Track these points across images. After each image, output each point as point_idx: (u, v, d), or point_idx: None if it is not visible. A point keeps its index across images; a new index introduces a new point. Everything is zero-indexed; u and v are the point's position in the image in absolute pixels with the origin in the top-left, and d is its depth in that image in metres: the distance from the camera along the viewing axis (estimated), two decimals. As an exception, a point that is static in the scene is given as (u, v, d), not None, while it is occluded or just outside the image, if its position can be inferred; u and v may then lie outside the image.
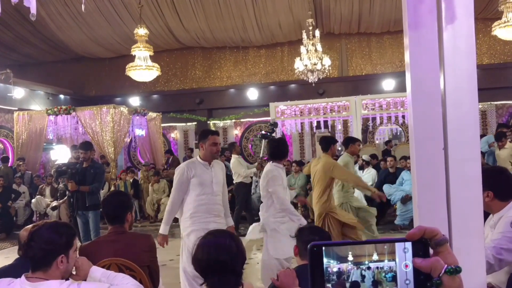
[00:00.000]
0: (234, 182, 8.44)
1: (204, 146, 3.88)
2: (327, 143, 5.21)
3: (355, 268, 0.62)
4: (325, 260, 0.62)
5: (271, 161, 4.32)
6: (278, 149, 4.33)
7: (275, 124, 9.03)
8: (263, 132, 8.75)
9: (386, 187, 8.00)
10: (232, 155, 8.41)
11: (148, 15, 12.33)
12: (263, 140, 9.07)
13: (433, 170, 1.54)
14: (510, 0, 7.57)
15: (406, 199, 7.59)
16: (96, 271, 2.14)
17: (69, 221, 7.10)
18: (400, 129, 13.15)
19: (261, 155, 10.17)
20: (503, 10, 7.83)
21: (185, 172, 3.82)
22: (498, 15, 8.51)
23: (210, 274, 1.78)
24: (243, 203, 8.39)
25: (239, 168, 8.25)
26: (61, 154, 11.35)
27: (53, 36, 13.84)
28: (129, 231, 2.94)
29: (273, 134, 8.33)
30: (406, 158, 8.42)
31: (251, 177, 9.49)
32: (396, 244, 0.64)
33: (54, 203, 9.27)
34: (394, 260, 0.63)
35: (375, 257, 0.63)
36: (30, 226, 2.53)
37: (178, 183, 3.83)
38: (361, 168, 8.96)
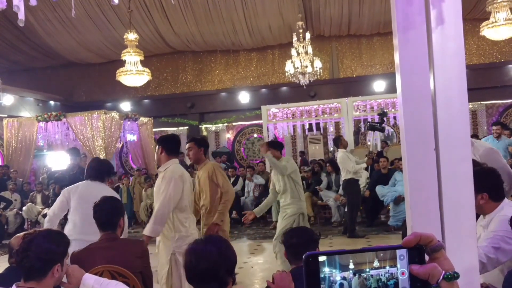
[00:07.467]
0: (343, 179, 7.67)
1: None
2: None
3: (355, 276, 0.61)
4: (327, 269, 0.61)
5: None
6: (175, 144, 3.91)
7: (384, 114, 7.57)
8: (370, 122, 7.72)
9: (379, 188, 8.02)
10: (339, 150, 7.65)
11: (138, 20, 12.28)
12: (372, 131, 8.36)
13: (425, 170, 1.54)
14: (498, 1, 7.65)
15: (399, 200, 7.61)
16: (89, 278, 2.12)
17: (61, 229, 7.02)
18: (392, 130, 13.21)
19: (371, 149, 9.77)
20: (490, 10, 7.91)
21: None
22: (486, 16, 8.58)
23: (194, 281, 1.79)
24: (355, 202, 7.60)
25: (348, 163, 7.40)
26: (57, 161, 11.22)
27: (42, 42, 13.73)
28: (121, 238, 2.91)
29: (383, 125, 7.30)
30: (400, 159, 8.38)
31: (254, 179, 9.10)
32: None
33: (46, 211, 9.16)
34: (395, 266, 0.62)
35: (376, 264, 0.62)
36: (21, 234, 2.50)
37: None
38: None
